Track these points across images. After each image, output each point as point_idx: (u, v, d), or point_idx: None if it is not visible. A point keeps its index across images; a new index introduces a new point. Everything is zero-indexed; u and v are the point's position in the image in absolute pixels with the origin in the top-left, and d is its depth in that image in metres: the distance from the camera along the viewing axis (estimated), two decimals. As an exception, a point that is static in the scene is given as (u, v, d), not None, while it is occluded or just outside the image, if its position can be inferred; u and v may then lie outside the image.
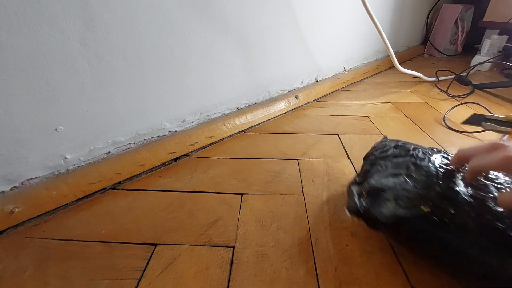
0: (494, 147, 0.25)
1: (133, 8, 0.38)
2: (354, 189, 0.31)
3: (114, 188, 0.42)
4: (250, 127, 0.59)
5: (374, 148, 0.37)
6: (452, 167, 0.29)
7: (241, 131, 0.57)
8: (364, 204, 0.28)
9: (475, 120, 0.40)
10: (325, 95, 0.75)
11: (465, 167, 0.28)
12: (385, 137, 0.39)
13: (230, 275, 0.28)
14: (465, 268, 0.23)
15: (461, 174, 0.27)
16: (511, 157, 0.23)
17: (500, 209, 0.23)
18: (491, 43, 0.87)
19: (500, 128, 0.37)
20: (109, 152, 0.43)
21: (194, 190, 0.41)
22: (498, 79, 0.83)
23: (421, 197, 0.26)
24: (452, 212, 0.24)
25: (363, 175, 0.33)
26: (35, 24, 0.32)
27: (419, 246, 0.26)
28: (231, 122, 0.55)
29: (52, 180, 0.38)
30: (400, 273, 0.28)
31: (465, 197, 0.25)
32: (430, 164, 0.29)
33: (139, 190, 0.41)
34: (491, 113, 0.39)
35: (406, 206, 0.26)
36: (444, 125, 0.57)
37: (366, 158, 0.37)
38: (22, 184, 0.37)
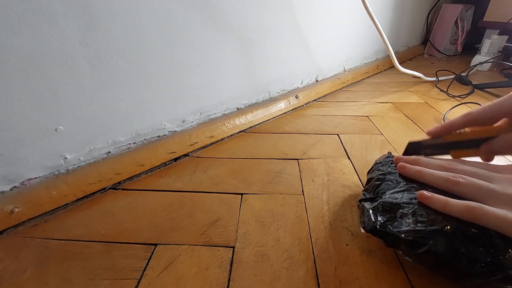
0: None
1: (134, 7, 0.38)
2: (367, 205, 0.30)
3: (114, 188, 0.42)
4: (250, 127, 0.59)
5: (380, 163, 0.36)
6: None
7: (241, 131, 0.57)
8: (381, 220, 0.27)
9: (413, 150, 0.36)
10: (325, 95, 0.75)
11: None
12: (389, 153, 0.38)
13: (230, 275, 0.28)
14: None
15: None
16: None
17: None
18: (491, 43, 0.87)
19: (438, 152, 0.35)
20: (109, 152, 0.43)
21: (194, 190, 0.41)
22: (498, 79, 0.83)
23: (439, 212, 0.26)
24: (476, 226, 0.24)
25: (373, 191, 0.32)
26: (35, 24, 0.32)
27: (442, 263, 0.24)
28: (231, 122, 0.55)
29: (52, 180, 0.38)
30: (400, 272, 0.28)
31: None
32: None
33: (139, 190, 0.41)
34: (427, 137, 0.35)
35: (425, 220, 0.25)
36: (444, 125, 0.57)
37: (370, 172, 0.36)
38: (22, 184, 0.37)
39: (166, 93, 0.47)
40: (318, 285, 0.27)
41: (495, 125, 0.30)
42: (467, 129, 0.32)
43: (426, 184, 0.29)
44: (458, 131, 0.32)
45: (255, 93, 0.61)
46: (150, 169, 0.45)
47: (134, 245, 0.32)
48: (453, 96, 0.70)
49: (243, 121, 0.57)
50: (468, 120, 0.31)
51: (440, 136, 0.34)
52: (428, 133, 0.35)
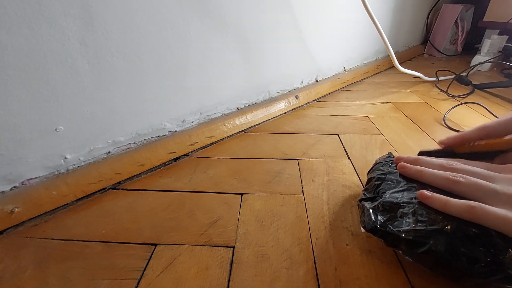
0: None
1: (133, 8, 0.38)
2: (367, 205, 0.30)
3: (114, 188, 0.42)
4: (250, 127, 0.59)
5: (380, 163, 0.36)
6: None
7: (241, 131, 0.57)
8: (381, 219, 0.27)
9: None
10: (325, 95, 0.75)
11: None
12: (390, 153, 0.38)
13: (230, 275, 0.28)
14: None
15: None
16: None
17: None
18: (491, 43, 0.87)
19: None
20: (109, 152, 0.43)
21: (194, 190, 0.41)
22: (498, 79, 0.83)
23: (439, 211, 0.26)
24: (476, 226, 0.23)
25: (373, 190, 0.32)
26: (35, 24, 0.31)
27: (442, 263, 0.24)
28: (231, 122, 0.55)
29: (52, 180, 0.38)
30: (400, 272, 0.28)
31: None
32: None
33: (139, 190, 0.41)
34: (437, 148, 0.34)
35: (426, 220, 0.25)
36: (444, 125, 0.57)
37: (371, 172, 0.36)
38: (22, 184, 0.37)
39: (166, 93, 0.47)
40: (318, 285, 0.27)
41: (507, 137, 0.30)
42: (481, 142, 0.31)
43: (427, 184, 0.29)
44: (471, 144, 0.32)
45: (255, 93, 0.61)
46: (150, 169, 0.45)
47: (134, 245, 0.32)
48: (453, 96, 0.70)
49: (243, 121, 0.57)
50: (484, 134, 0.31)
51: (453, 147, 0.33)
52: (440, 143, 0.34)
